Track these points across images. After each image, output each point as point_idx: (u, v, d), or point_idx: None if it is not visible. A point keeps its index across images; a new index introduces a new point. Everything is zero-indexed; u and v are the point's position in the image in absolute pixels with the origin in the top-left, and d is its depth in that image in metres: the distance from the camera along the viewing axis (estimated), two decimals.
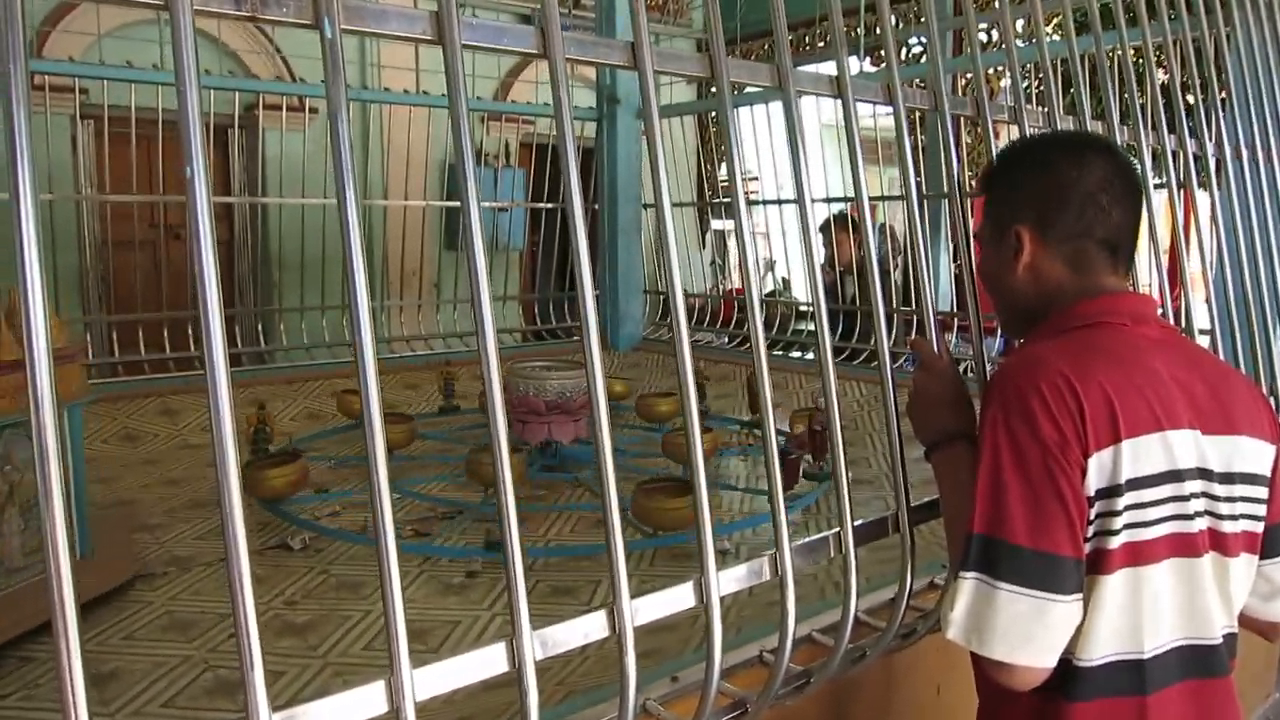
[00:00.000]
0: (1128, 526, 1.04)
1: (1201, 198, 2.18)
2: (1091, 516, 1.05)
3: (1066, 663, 1.07)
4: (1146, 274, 2.00)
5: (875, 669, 1.60)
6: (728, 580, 1.15)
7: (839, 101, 1.37)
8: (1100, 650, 1.06)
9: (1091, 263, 1.22)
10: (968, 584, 1.05)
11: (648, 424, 3.68)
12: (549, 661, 0.98)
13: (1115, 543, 1.04)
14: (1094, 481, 1.04)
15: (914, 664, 1.75)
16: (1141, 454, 1.05)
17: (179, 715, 1.69)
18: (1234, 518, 1.11)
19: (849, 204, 5.18)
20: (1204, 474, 1.09)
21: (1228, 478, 1.11)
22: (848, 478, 1.31)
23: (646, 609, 1.07)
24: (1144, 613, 1.06)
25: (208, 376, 0.77)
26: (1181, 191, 2.06)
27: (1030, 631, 1.02)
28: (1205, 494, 1.10)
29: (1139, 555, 1.05)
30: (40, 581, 1.95)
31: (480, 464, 2.62)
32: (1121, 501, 1.04)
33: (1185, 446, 1.08)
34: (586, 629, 1.03)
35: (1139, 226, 1.25)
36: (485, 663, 0.95)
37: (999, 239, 1.27)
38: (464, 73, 0.94)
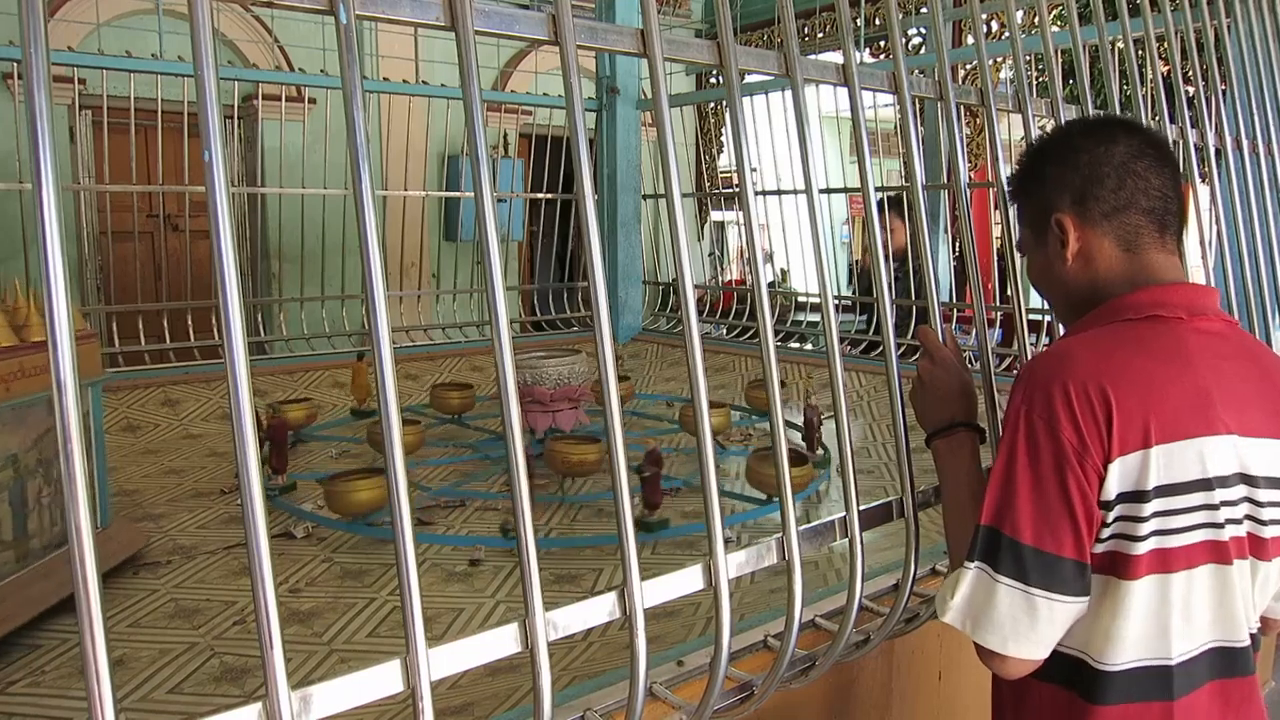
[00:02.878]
0: (1156, 533, 1.03)
1: (1201, 189, 2.19)
2: (1109, 519, 1.03)
3: (1088, 665, 1.07)
4: None
5: (877, 654, 1.62)
6: (735, 563, 1.17)
7: (839, 92, 1.37)
8: (1125, 655, 1.05)
9: (1139, 237, 1.17)
10: (970, 573, 1.06)
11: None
12: (552, 647, 0.99)
13: (1140, 548, 1.03)
14: (1115, 486, 1.02)
15: (916, 650, 1.76)
16: (1175, 461, 1.02)
17: (186, 701, 1.70)
18: (1276, 523, 1.08)
19: (899, 190, 5.10)
20: (1246, 480, 1.06)
21: (1273, 482, 1.08)
22: (853, 464, 1.33)
23: (656, 591, 1.08)
24: (1173, 620, 1.04)
25: (226, 358, 0.78)
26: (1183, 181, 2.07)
27: (1023, 626, 1.03)
28: (1248, 499, 1.06)
29: (1168, 562, 1.04)
30: (56, 559, 2.00)
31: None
32: (1148, 508, 1.02)
33: (1221, 454, 1.04)
34: (597, 611, 1.04)
35: (1180, 196, 1.20)
36: (498, 643, 0.96)
37: (1042, 238, 1.23)
38: (477, 60, 0.94)
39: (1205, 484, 1.04)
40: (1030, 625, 1.03)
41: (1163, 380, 1.04)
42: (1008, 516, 1.04)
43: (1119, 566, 1.04)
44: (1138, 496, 1.02)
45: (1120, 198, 1.16)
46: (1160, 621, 1.04)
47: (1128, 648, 1.05)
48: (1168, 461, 1.02)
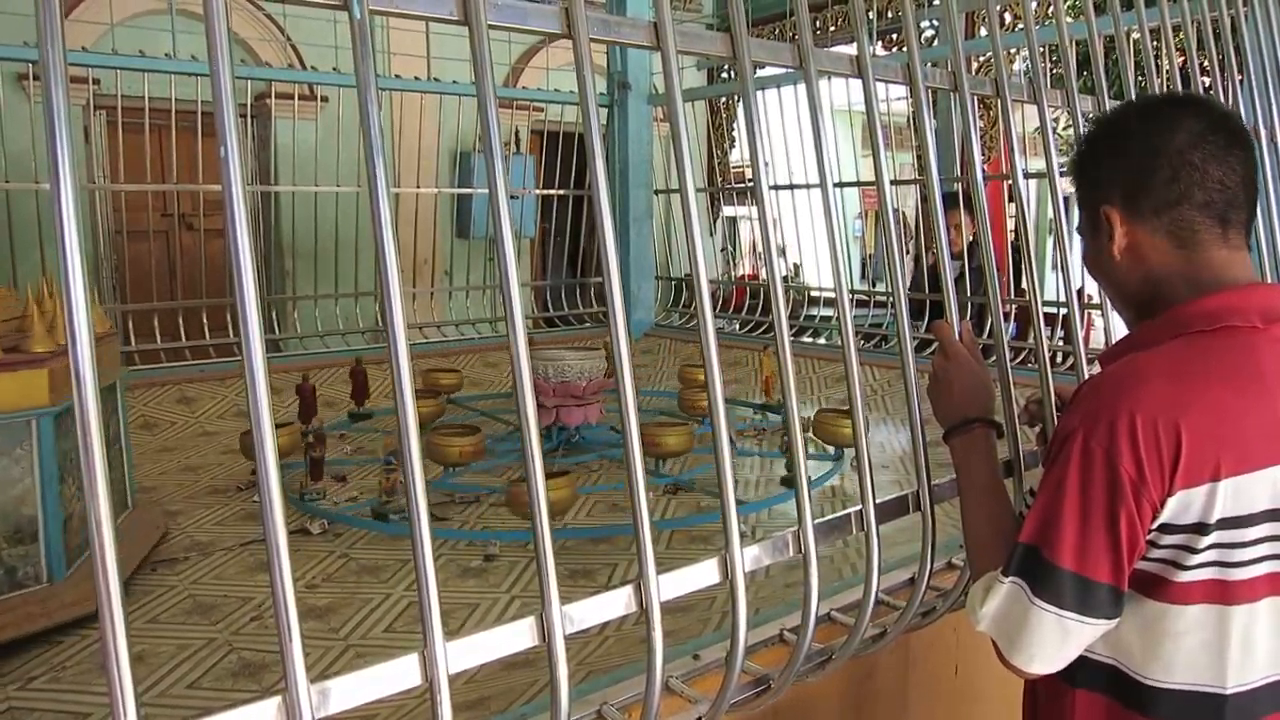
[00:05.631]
0: (1213, 564, 1.00)
1: None
2: (1160, 544, 1.00)
3: (1127, 675, 1.05)
4: None
5: (894, 648, 1.61)
6: (750, 556, 1.17)
7: (851, 84, 1.37)
8: (1175, 676, 1.03)
9: (1197, 234, 1.08)
10: (1006, 588, 1.04)
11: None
12: (568, 642, 0.99)
13: (1188, 575, 1.00)
14: (1172, 516, 0.98)
15: (933, 644, 1.76)
16: (1243, 493, 0.98)
17: (205, 697, 1.71)
18: None
19: (956, 183, 4.98)
20: None
21: None
22: (868, 457, 1.32)
23: (672, 585, 1.08)
24: (1230, 652, 1.01)
25: (244, 353, 0.78)
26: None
27: (1052, 648, 1.02)
28: None
29: (1229, 595, 1.01)
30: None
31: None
32: (1205, 540, 0.99)
33: None
34: (613, 605, 1.04)
35: (1251, 183, 1.10)
36: (515, 637, 0.96)
37: (1094, 227, 1.15)
38: (490, 55, 0.94)
39: (1274, 514, 1.00)
40: (1059, 647, 1.02)
41: (1238, 411, 0.99)
42: (1050, 539, 1.01)
43: (1162, 589, 1.02)
44: (1198, 529, 0.99)
45: (1173, 192, 1.07)
46: (1216, 652, 1.01)
47: (1176, 669, 1.02)
48: (1235, 494, 0.98)
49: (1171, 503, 0.98)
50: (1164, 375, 1.01)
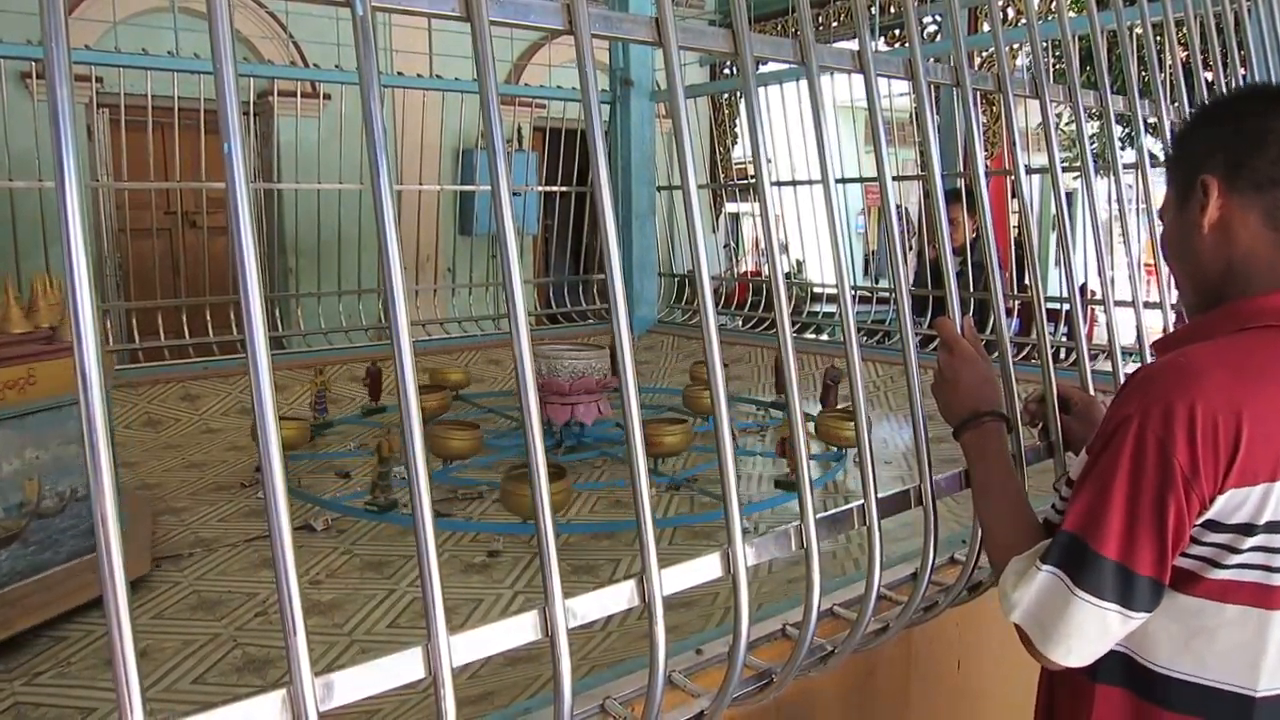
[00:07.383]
0: (1258, 568, 0.98)
1: None
2: (1203, 539, 0.99)
3: (1150, 670, 1.04)
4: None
5: (896, 643, 1.61)
6: (753, 551, 1.17)
7: (854, 80, 1.37)
8: (1206, 672, 1.02)
9: None
10: (1043, 577, 1.03)
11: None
12: (571, 636, 0.99)
13: (1224, 574, 0.99)
14: (1220, 514, 0.97)
15: (935, 638, 1.76)
16: None
17: (209, 691, 1.72)
18: None
19: (958, 179, 4.96)
20: None
21: None
22: (870, 452, 1.32)
23: (674, 579, 1.09)
24: (1267, 655, 1.00)
25: (248, 350, 0.78)
26: None
27: (1090, 640, 1.01)
28: None
29: (1272, 599, 0.99)
30: (79, 564, 2.01)
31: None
32: (1249, 541, 0.97)
33: None
34: (616, 599, 1.04)
35: None
36: (518, 631, 0.96)
37: (1184, 201, 1.13)
38: (492, 51, 0.95)
39: None
40: (1096, 638, 1.01)
41: None
42: (1096, 528, 1.00)
43: (1197, 585, 1.01)
44: (1244, 529, 0.97)
45: (1276, 171, 1.05)
46: (1252, 654, 1.00)
47: (1208, 665, 1.02)
48: None
49: (1221, 500, 0.96)
50: (1225, 366, 0.99)
